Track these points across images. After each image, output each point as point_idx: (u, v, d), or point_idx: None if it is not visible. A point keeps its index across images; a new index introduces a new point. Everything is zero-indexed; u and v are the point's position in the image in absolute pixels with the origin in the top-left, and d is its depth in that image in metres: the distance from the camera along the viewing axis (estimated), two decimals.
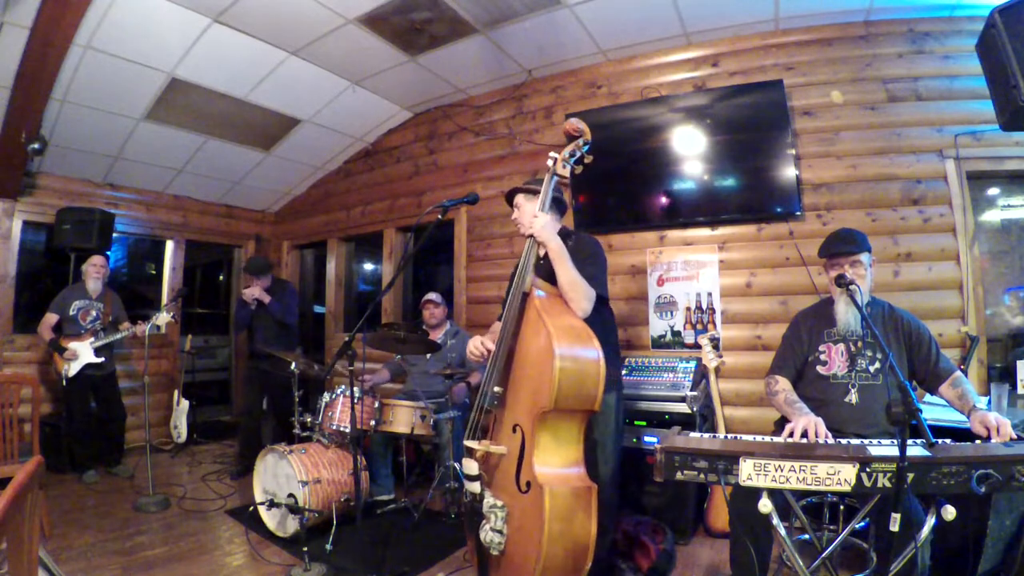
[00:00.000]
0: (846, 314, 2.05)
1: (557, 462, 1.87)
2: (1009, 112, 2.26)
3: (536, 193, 2.20)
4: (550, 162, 2.08)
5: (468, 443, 2.02)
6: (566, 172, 2.07)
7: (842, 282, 1.90)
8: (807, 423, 1.74)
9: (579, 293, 2.01)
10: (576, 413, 1.91)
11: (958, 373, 1.93)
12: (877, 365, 1.98)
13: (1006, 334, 3.10)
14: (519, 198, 2.30)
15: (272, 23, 3.51)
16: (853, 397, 1.98)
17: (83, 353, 3.88)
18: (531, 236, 2.04)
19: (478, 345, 2.16)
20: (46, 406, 4.26)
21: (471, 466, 1.97)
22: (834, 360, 2.06)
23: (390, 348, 3.40)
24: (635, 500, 2.94)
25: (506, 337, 1.98)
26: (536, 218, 2.03)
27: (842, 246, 2.09)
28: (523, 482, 1.83)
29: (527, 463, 1.84)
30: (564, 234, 2.50)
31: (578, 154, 2.08)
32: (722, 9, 3.37)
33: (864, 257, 2.05)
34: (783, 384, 2.07)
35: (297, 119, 4.66)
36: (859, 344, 2.04)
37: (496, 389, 1.97)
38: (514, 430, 1.91)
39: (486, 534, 1.88)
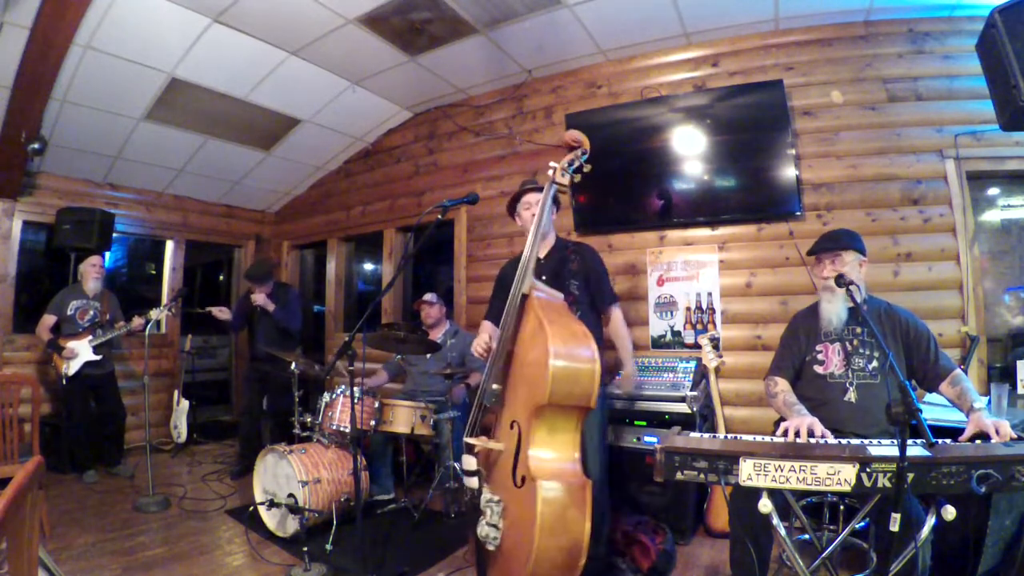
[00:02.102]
0: (828, 312, 2.05)
1: (552, 457, 1.91)
2: (1009, 112, 2.26)
3: (541, 190, 2.32)
4: (550, 171, 2.17)
5: (468, 440, 2.08)
6: (565, 180, 2.18)
7: (842, 282, 1.90)
8: (799, 423, 1.74)
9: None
10: (571, 409, 1.93)
11: (957, 371, 1.92)
12: (875, 364, 1.98)
13: (1006, 334, 3.09)
14: (530, 196, 2.44)
15: (272, 23, 3.51)
16: (852, 396, 1.98)
17: (82, 351, 3.89)
18: (532, 235, 2.11)
19: (482, 344, 2.26)
20: (46, 406, 4.25)
21: (470, 462, 2.02)
22: (831, 359, 2.06)
23: (390, 348, 3.41)
24: (635, 500, 2.94)
25: (505, 337, 2.03)
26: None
27: (823, 243, 2.11)
28: (519, 477, 1.88)
29: (523, 458, 1.88)
30: (564, 246, 2.57)
31: (576, 163, 2.18)
32: (722, 9, 3.37)
33: (849, 255, 2.05)
34: (782, 385, 2.07)
35: (297, 119, 4.66)
36: (855, 342, 2.03)
37: (495, 387, 2.03)
38: (511, 426, 1.97)
39: (482, 528, 1.93)
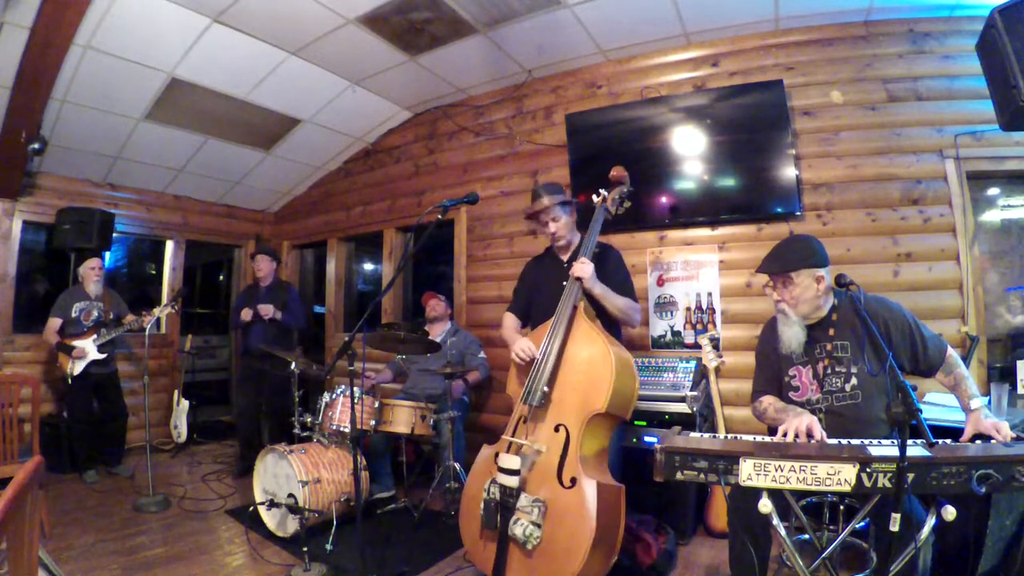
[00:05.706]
0: (787, 337, 1.92)
1: (595, 462, 2.09)
2: (1009, 112, 2.26)
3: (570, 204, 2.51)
4: (597, 199, 2.43)
5: (512, 439, 2.11)
6: (614, 211, 2.47)
7: (843, 281, 1.88)
8: (797, 424, 1.68)
9: (631, 313, 2.37)
10: (613, 419, 2.12)
11: (950, 354, 1.84)
12: (854, 381, 1.85)
13: (1006, 334, 3.09)
14: (558, 210, 2.49)
15: (272, 23, 3.51)
16: (823, 422, 1.84)
17: (88, 351, 3.91)
18: (579, 279, 2.24)
19: (526, 350, 2.25)
20: (46, 406, 4.26)
21: (513, 461, 2.03)
22: (805, 385, 1.94)
23: (390, 348, 3.41)
24: (635, 500, 2.92)
25: (556, 342, 2.14)
26: (584, 265, 2.25)
27: (769, 265, 1.93)
28: (567, 478, 1.99)
29: (571, 460, 2.02)
30: (599, 247, 2.51)
31: (621, 196, 2.48)
32: (722, 9, 3.37)
33: (801, 276, 1.86)
34: (768, 400, 1.97)
35: (297, 119, 4.66)
36: (826, 361, 1.89)
37: (545, 389, 2.11)
38: (556, 429, 2.09)
39: (525, 528, 1.95)
